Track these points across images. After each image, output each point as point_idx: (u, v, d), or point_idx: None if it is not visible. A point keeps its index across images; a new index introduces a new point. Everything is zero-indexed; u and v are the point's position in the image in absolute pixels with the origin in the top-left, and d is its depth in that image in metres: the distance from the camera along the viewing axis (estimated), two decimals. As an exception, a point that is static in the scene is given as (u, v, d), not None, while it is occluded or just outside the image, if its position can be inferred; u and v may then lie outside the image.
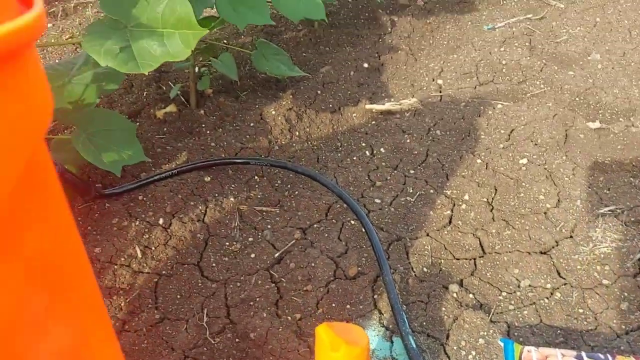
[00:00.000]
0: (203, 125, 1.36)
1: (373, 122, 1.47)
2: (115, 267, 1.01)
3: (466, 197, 1.17)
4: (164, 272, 1.01)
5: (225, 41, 1.79)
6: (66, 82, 1.17)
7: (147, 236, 1.06)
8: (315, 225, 1.11)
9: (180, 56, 0.94)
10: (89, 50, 0.91)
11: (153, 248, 1.05)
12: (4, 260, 0.33)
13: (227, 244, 1.08)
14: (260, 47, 1.49)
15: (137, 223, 1.09)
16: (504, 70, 1.66)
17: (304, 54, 1.81)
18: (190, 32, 0.94)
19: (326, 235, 1.09)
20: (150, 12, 0.96)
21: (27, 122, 0.33)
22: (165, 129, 1.38)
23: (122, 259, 1.02)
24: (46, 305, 0.38)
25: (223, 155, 1.27)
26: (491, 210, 1.14)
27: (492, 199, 1.17)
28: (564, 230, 1.08)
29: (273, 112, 1.43)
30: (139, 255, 1.03)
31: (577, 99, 1.50)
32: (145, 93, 1.53)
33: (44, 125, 0.35)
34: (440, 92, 1.60)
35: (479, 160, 1.28)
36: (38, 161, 0.36)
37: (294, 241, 1.07)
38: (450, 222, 1.12)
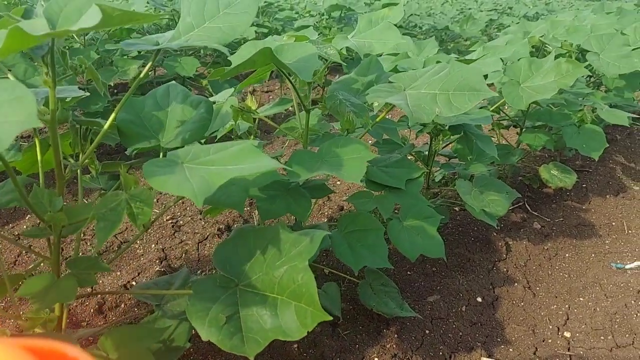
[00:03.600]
0: (295, 371, 1.19)
1: (490, 383, 1.24)
2: None
3: None
4: None
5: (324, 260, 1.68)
6: (158, 316, 1.06)
7: None
8: None
9: (293, 335, 0.79)
10: (192, 317, 0.79)
11: None
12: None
13: None
14: (368, 276, 1.35)
15: None
16: (645, 332, 1.42)
17: (409, 272, 1.65)
18: (309, 308, 0.80)
19: None
20: (267, 273, 0.84)
21: None
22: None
23: None
24: None
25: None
26: None
27: None
28: None
29: (376, 359, 1.25)
30: None
31: None
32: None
33: None
34: (569, 349, 1.36)
35: None
36: None
37: None
38: None
